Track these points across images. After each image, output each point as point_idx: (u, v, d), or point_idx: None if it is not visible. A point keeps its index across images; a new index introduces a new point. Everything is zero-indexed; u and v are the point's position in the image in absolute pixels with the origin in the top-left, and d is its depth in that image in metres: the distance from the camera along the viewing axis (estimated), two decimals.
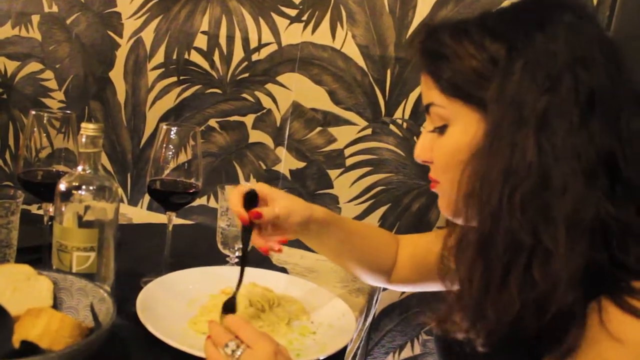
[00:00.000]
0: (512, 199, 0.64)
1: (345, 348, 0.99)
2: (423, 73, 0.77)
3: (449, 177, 0.75)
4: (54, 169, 1.11)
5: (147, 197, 1.82)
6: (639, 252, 0.63)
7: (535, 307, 0.64)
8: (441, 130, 0.76)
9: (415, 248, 1.14)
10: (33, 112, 1.09)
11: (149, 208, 1.81)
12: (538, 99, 0.64)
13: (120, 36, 1.77)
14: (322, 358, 0.91)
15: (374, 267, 1.14)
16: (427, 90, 0.77)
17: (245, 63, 1.64)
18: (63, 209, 0.94)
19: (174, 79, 1.72)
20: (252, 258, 1.28)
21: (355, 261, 1.14)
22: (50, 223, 1.01)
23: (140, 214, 1.68)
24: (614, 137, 0.65)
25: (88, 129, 0.94)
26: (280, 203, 0.98)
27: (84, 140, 0.94)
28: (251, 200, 0.96)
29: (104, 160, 1.84)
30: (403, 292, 1.58)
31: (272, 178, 1.64)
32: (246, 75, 1.64)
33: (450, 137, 0.75)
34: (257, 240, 0.97)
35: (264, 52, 1.61)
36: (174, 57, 1.71)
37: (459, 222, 0.77)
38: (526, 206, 0.64)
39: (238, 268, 1.20)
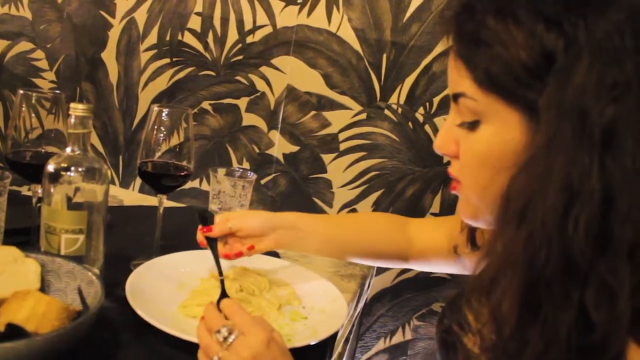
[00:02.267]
0: (577, 224, 0.54)
1: (336, 333, 0.98)
2: (453, 56, 0.66)
3: (477, 182, 0.67)
4: (43, 150, 1.09)
5: (138, 180, 1.80)
6: None
7: (585, 352, 0.55)
8: (471, 126, 0.65)
9: (434, 231, 1.10)
10: (21, 92, 1.07)
11: (141, 190, 1.79)
12: (604, 109, 0.54)
13: (113, 16, 1.74)
14: (313, 343, 0.91)
15: (382, 254, 1.13)
16: (457, 78, 0.66)
17: (240, 45, 1.62)
18: (51, 190, 0.92)
19: (167, 60, 1.70)
20: None
21: (358, 254, 1.14)
22: (38, 205, 1.00)
23: (131, 196, 1.67)
24: None
25: (77, 109, 0.92)
26: (234, 215, 1.04)
27: (72, 120, 0.92)
28: (205, 219, 1.03)
29: (96, 142, 1.82)
30: (395, 278, 1.58)
31: (265, 162, 1.63)
32: (240, 57, 1.62)
33: (482, 136, 0.65)
34: (221, 250, 1.02)
35: (259, 35, 1.59)
36: (167, 38, 1.69)
37: (478, 226, 0.73)
38: (590, 232, 0.54)
39: None
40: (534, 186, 0.57)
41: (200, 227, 1.03)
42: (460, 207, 0.73)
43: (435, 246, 1.08)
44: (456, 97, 0.66)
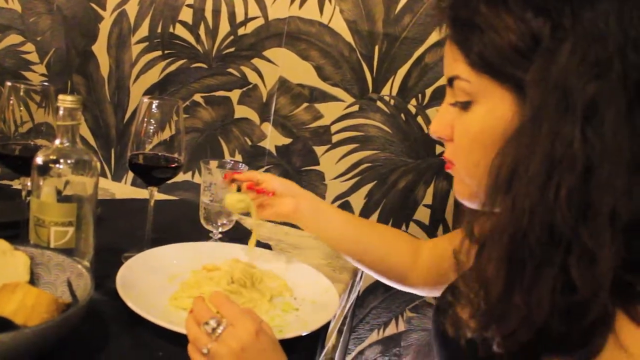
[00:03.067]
0: (558, 192, 0.58)
1: (328, 324, 0.98)
2: (449, 42, 0.71)
3: (470, 160, 0.71)
4: (33, 143, 1.09)
5: (131, 173, 1.79)
6: None
7: (568, 314, 0.58)
8: (464, 106, 0.70)
9: (432, 251, 1.11)
10: (9, 84, 1.06)
11: (133, 184, 1.78)
12: (586, 86, 0.58)
13: (104, 8, 1.73)
14: (304, 334, 0.91)
15: (381, 267, 1.15)
16: (452, 62, 0.70)
17: (231, 37, 1.61)
18: (40, 183, 0.91)
19: (159, 53, 1.69)
20: (236, 234, 1.28)
21: (360, 258, 1.15)
22: (28, 198, 0.99)
23: (124, 189, 1.66)
24: None
25: (66, 101, 0.91)
26: (261, 173, 1.11)
27: (61, 112, 0.92)
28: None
29: (88, 135, 1.81)
30: None
31: (258, 154, 1.63)
32: (232, 49, 1.61)
33: (475, 116, 0.69)
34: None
35: (251, 27, 1.59)
36: (159, 30, 1.68)
37: (474, 207, 0.74)
38: (571, 200, 0.57)
39: (221, 244, 1.20)
40: (519, 156, 0.61)
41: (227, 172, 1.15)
42: (456, 188, 0.76)
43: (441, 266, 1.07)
44: (451, 80, 0.70)
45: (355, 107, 1.52)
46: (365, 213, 1.56)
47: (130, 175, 1.79)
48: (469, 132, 0.70)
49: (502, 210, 0.62)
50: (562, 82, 0.59)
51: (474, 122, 0.69)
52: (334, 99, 1.54)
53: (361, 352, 1.64)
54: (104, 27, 1.74)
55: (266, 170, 1.62)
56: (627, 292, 0.57)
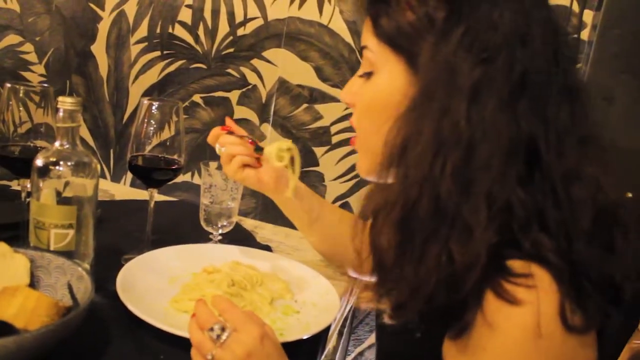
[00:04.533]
0: (444, 167, 0.62)
1: (328, 327, 0.98)
2: (366, 15, 0.76)
3: (367, 128, 0.75)
4: (32, 144, 1.08)
5: (130, 174, 1.79)
6: (539, 238, 0.61)
7: (450, 284, 0.61)
8: (367, 75, 0.75)
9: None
10: (8, 85, 1.05)
11: (132, 185, 1.78)
12: (473, 69, 0.62)
13: (102, 8, 1.72)
14: (305, 337, 0.90)
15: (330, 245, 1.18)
16: (365, 32, 0.75)
17: (231, 38, 1.61)
18: (40, 185, 0.91)
19: (158, 53, 1.69)
20: (236, 236, 1.27)
21: (309, 229, 1.17)
22: (28, 199, 0.99)
23: (123, 190, 1.66)
24: (540, 123, 0.63)
25: (65, 102, 0.91)
26: None
27: (61, 114, 0.91)
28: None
29: (87, 136, 1.80)
30: None
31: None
32: (231, 50, 1.61)
33: (372, 85, 0.74)
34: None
35: (250, 27, 1.58)
36: (158, 31, 1.68)
37: (373, 180, 0.76)
38: (456, 176, 0.61)
39: (221, 246, 1.20)
40: (410, 130, 0.65)
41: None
42: (358, 164, 0.80)
43: None
44: (362, 50, 0.75)
45: None
46: None
47: (129, 175, 1.79)
48: (366, 99, 0.75)
49: (394, 182, 0.66)
50: (452, 63, 0.63)
51: (370, 90, 0.74)
52: (334, 99, 1.53)
53: (361, 354, 1.64)
54: (103, 27, 1.73)
55: None
56: (495, 269, 0.60)
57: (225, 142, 1.07)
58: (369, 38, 0.73)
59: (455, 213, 0.61)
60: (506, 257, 0.61)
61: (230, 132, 1.08)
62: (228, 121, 1.11)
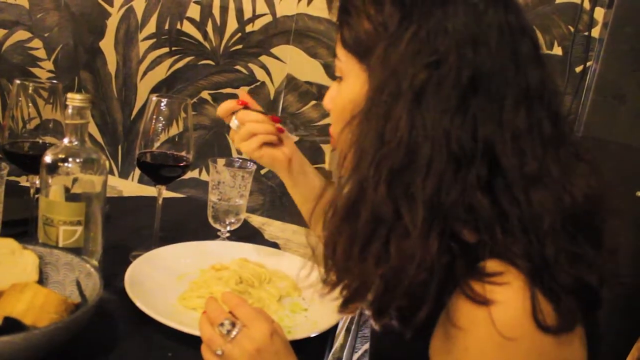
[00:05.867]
0: (379, 170, 0.62)
1: (336, 325, 0.98)
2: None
3: (338, 132, 0.77)
4: (41, 141, 1.08)
5: (138, 170, 1.79)
6: (504, 240, 0.61)
7: (389, 282, 0.63)
8: (339, 82, 0.78)
9: None
10: (18, 82, 1.05)
11: (140, 181, 1.78)
12: (418, 73, 0.62)
13: (111, 5, 1.72)
14: (313, 335, 0.90)
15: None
16: (336, 41, 0.77)
17: (239, 34, 1.60)
18: (49, 181, 0.91)
19: (166, 49, 1.69)
20: (244, 233, 1.27)
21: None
22: (36, 196, 0.99)
23: (130, 186, 1.66)
24: (496, 127, 0.62)
25: (74, 99, 0.90)
26: None
27: (70, 111, 0.91)
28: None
29: (95, 132, 1.81)
30: None
31: None
32: (240, 46, 1.61)
33: (341, 91, 0.76)
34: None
35: (258, 24, 1.58)
36: (166, 27, 1.67)
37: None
38: (392, 180, 0.62)
39: (229, 243, 1.20)
40: (357, 134, 0.66)
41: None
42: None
43: None
44: (335, 59, 0.78)
45: None
46: None
47: (137, 172, 1.79)
48: (336, 104, 0.78)
49: (339, 182, 0.68)
50: (399, 68, 0.64)
51: (339, 97, 0.77)
52: None
53: (367, 351, 1.64)
54: (112, 24, 1.73)
55: None
56: (462, 271, 0.61)
57: (246, 118, 1.04)
58: (338, 47, 0.76)
59: (393, 216, 0.62)
60: (474, 258, 0.62)
61: (246, 107, 1.05)
62: (243, 94, 1.07)
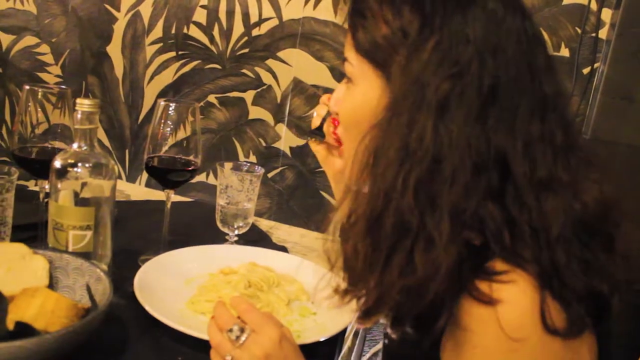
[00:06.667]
0: (407, 180, 0.62)
1: (345, 329, 0.98)
2: (348, 28, 0.77)
3: (347, 139, 0.77)
4: (50, 146, 1.09)
5: (145, 174, 1.79)
6: (514, 246, 0.61)
7: (413, 293, 0.62)
8: (348, 86, 0.76)
9: None
10: (27, 87, 1.06)
11: (148, 185, 1.79)
12: (442, 83, 0.62)
13: (118, 9, 1.73)
14: (322, 339, 0.90)
15: None
16: (346, 45, 0.75)
17: (245, 38, 1.61)
18: (59, 186, 0.92)
19: (173, 54, 1.69)
20: (252, 237, 1.28)
21: None
22: (46, 200, 0.99)
23: (138, 190, 1.66)
24: (509, 135, 0.62)
25: (83, 104, 0.91)
26: None
27: (79, 116, 0.91)
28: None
29: (102, 136, 1.81)
30: None
31: (272, 155, 1.62)
32: (246, 50, 1.61)
33: (351, 95, 0.74)
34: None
35: (265, 27, 1.58)
36: (173, 31, 1.68)
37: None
38: (419, 190, 0.61)
39: (238, 247, 1.20)
40: (380, 142, 0.65)
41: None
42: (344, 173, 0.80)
43: None
44: (344, 61, 0.76)
45: None
46: None
47: (145, 176, 1.80)
48: (346, 108, 0.76)
49: (363, 192, 0.67)
50: (422, 77, 0.63)
51: (349, 101, 0.75)
52: None
53: (375, 354, 1.63)
54: (119, 28, 1.74)
55: (280, 172, 1.62)
56: (472, 274, 0.61)
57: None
58: (348, 50, 0.74)
59: (419, 225, 0.61)
60: (482, 261, 0.62)
61: None
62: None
